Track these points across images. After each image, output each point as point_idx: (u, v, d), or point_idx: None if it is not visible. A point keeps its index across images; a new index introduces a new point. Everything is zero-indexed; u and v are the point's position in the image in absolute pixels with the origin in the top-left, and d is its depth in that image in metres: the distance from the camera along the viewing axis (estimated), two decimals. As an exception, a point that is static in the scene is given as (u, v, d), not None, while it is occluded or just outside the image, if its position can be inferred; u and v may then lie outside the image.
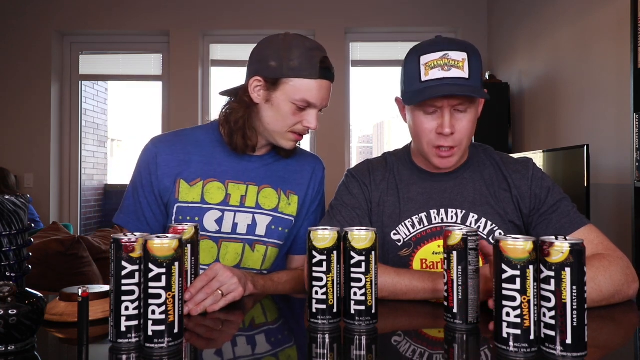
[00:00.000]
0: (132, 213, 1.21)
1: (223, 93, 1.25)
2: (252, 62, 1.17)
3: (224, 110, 1.21)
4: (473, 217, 1.10)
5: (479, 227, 1.10)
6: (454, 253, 0.81)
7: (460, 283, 0.81)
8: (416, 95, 1.03)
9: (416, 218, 1.12)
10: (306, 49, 1.12)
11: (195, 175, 1.19)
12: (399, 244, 1.11)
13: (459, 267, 0.81)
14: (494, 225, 1.10)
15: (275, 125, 1.16)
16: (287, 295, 1.14)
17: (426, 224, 1.11)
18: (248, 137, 1.18)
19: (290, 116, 1.14)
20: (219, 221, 1.17)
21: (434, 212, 1.12)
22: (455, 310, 0.81)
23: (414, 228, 1.11)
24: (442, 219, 1.11)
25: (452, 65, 1.01)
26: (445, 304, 0.83)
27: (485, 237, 1.09)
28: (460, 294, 0.81)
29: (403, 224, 1.12)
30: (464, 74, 1.01)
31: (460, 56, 1.02)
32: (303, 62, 1.11)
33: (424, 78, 1.03)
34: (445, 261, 0.83)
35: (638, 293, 0.99)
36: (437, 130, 1.05)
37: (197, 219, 1.16)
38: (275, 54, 1.12)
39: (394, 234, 1.12)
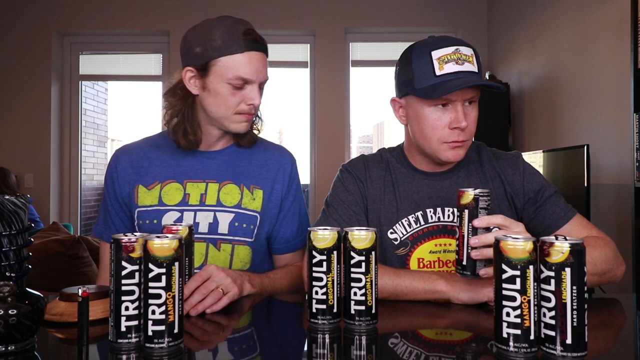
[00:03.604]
0: (104, 223, 1.23)
1: (165, 93, 1.20)
2: (181, 56, 1.15)
3: (165, 111, 1.19)
4: None
5: None
6: (466, 211, 0.89)
7: (470, 238, 0.89)
8: (435, 89, 1.03)
9: (412, 217, 1.12)
10: (227, 25, 1.10)
11: (154, 179, 1.19)
12: (396, 242, 1.11)
13: (470, 225, 0.89)
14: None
15: (218, 110, 1.13)
16: (286, 295, 1.14)
17: (422, 223, 1.12)
18: (189, 132, 1.15)
19: (229, 97, 1.11)
20: (178, 222, 1.15)
21: (430, 211, 1.12)
22: (464, 263, 0.90)
23: (410, 227, 1.12)
24: (439, 217, 1.12)
25: (465, 60, 1.04)
26: (456, 257, 0.91)
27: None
28: (470, 249, 0.88)
29: (400, 222, 1.12)
30: (475, 68, 1.04)
31: (469, 51, 1.05)
32: (226, 39, 1.08)
33: (438, 72, 1.03)
34: (458, 218, 0.91)
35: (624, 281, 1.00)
36: (451, 125, 1.05)
37: (155, 221, 1.15)
38: (199, 40, 1.10)
39: (391, 233, 1.12)
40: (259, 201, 1.20)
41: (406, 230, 1.11)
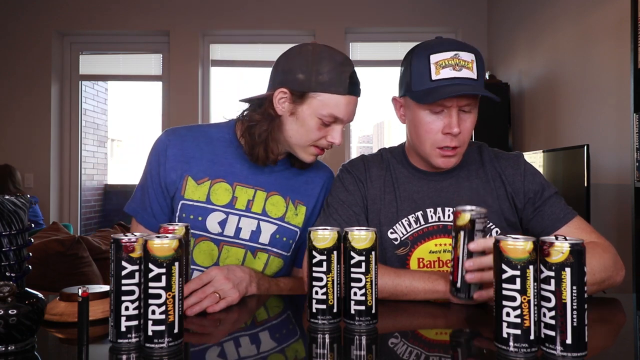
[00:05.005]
0: (140, 203, 1.18)
1: (244, 100, 1.19)
2: (277, 72, 1.12)
3: (245, 122, 1.15)
4: None
5: None
6: (462, 232, 0.87)
7: (465, 261, 0.86)
8: (428, 94, 1.02)
9: (412, 217, 1.12)
10: (336, 63, 1.08)
11: (204, 173, 1.16)
12: (396, 242, 1.11)
13: (465, 247, 0.86)
14: (490, 224, 1.10)
15: (298, 139, 1.12)
16: (287, 294, 1.13)
17: (422, 222, 1.11)
18: (270, 149, 1.13)
19: (314, 131, 1.10)
20: (222, 223, 1.15)
21: (430, 211, 1.12)
22: (459, 286, 0.87)
23: (410, 227, 1.11)
24: (439, 217, 1.12)
25: (463, 66, 1.02)
26: (451, 278, 0.89)
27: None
28: (465, 271, 0.86)
29: (400, 222, 1.12)
30: (473, 74, 1.03)
31: (469, 57, 1.03)
32: (333, 76, 1.07)
33: (434, 77, 1.02)
34: (453, 239, 0.88)
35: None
36: (444, 130, 1.05)
37: (200, 218, 1.14)
38: (304, 66, 1.07)
39: (391, 233, 1.12)
40: (301, 217, 1.20)
41: (406, 230, 1.11)
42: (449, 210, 1.12)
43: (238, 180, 1.17)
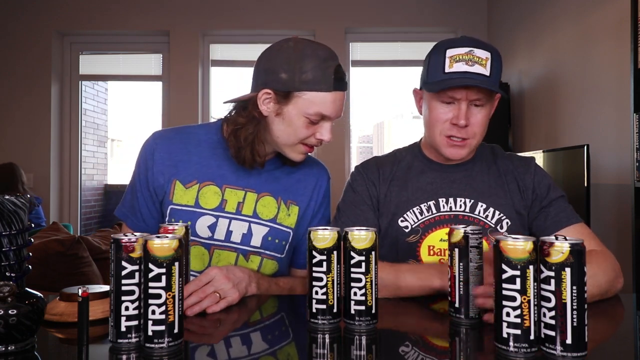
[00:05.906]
0: (130, 207, 1.18)
1: (228, 102, 1.17)
2: (259, 72, 1.09)
3: (231, 125, 1.13)
4: (482, 206, 1.13)
5: (487, 216, 1.12)
6: (456, 250, 0.85)
7: (461, 279, 0.84)
8: (438, 84, 1.07)
9: (424, 206, 1.14)
10: (320, 59, 1.05)
11: (192, 177, 1.15)
12: (407, 230, 1.13)
13: (461, 264, 0.84)
14: (502, 215, 1.12)
15: (286, 138, 1.10)
16: (286, 294, 1.13)
17: (434, 211, 1.13)
18: (257, 152, 1.11)
19: (302, 129, 1.08)
20: (212, 227, 1.13)
21: (442, 201, 1.14)
22: (457, 305, 0.84)
23: (422, 215, 1.13)
24: (451, 207, 1.13)
25: (476, 62, 1.06)
26: (449, 298, 0.86)
27: (493, 225, 1.12)
28: (461, 290, 0.84)
29: (411, 211, 1.14)
30: (486, 71, 1.06)
31: (484, 54, 1.07)
32: (317, 74, 1.04)
33: (447, 70, 1.06)
34: (449, 257, 0.86)
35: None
36: (452, 120, 1.09)
37: (189, 223, 1.11)
38: (286, 65, 1.05)
39: (402, 221, 1.13)
40: (293, 217, 1.18)
41: (417, 218, 1.13)
42: (460, 201, 1.13)
43: (227, 183, 1.15)
